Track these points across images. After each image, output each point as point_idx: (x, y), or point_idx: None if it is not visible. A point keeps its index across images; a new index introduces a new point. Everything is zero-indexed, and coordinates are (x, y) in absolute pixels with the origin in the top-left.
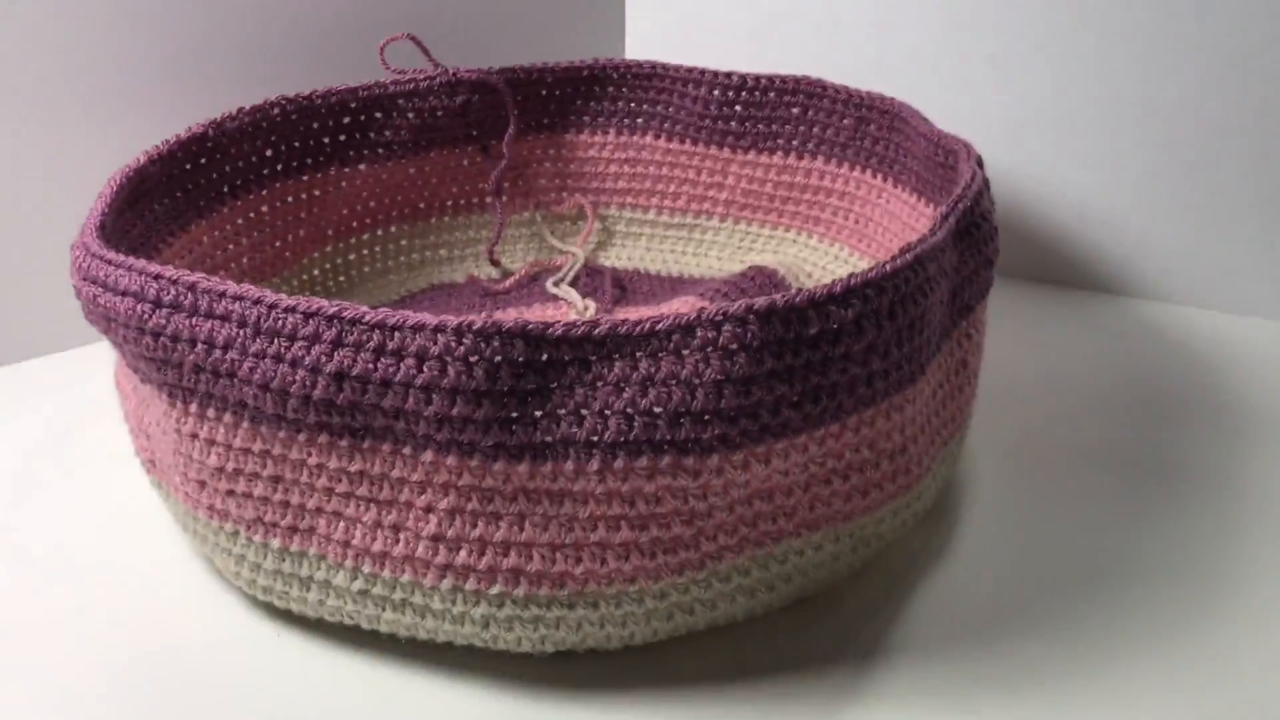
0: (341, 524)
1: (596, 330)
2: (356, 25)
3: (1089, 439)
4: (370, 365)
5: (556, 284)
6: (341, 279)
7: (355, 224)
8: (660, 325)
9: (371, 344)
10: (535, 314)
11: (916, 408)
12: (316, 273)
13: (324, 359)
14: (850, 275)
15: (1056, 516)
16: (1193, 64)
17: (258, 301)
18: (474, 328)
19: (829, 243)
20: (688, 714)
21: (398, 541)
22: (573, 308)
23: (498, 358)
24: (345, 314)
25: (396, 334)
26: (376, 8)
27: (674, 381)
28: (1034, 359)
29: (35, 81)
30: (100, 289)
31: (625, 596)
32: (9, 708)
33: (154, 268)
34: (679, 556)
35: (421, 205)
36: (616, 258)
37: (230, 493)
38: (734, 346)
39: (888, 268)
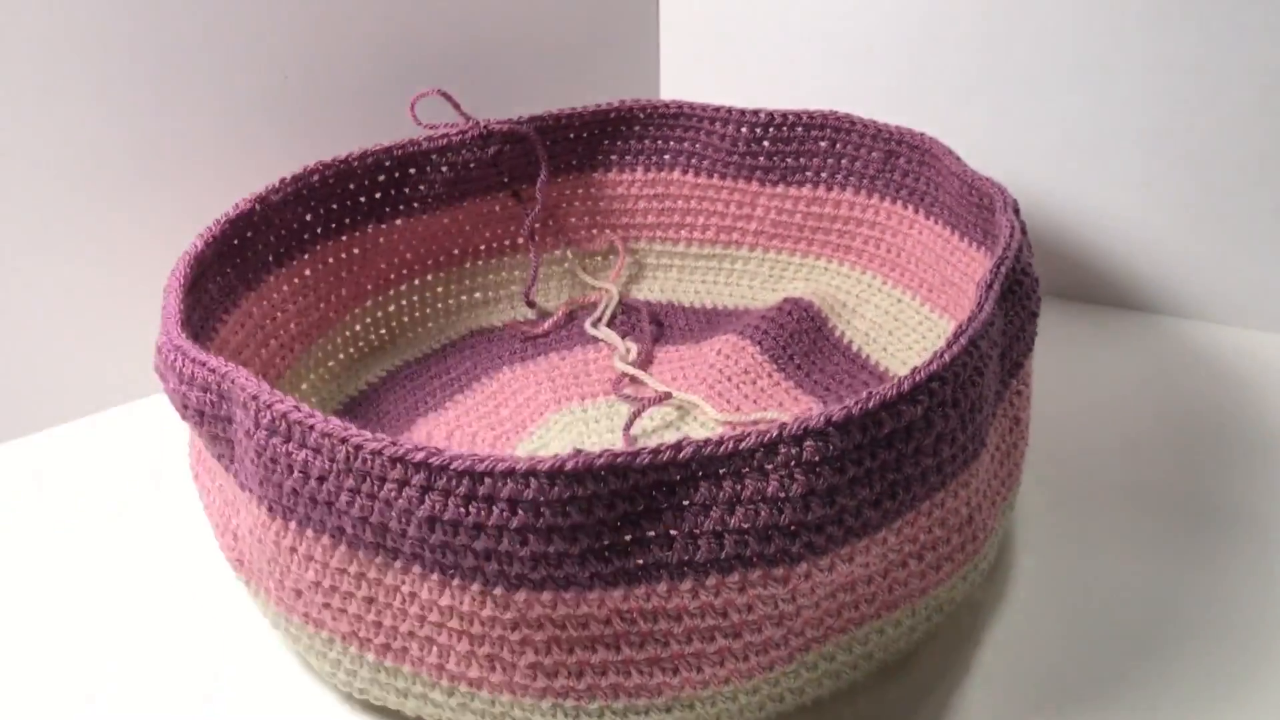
0: (435, 649)
1: (682, 454)
2: (388, 81)
3: (1133, 469)
4: (462, 510)
5: (595, 324)
6: (383, 331)
7: (393, 276)
8: (744, 444)
9: (461, 490)
10: (578, 358)
11: (980, 479)
12: (359, 328)
13: (415, 502)
14: (913, 370)
15: (1106, 556)
16: (1231, 85)
17: (344, 440)
18: (565, 469)
19: (861, 270)
20: None
21: (494, 670)
22: (615, 351)
23: (590, 493)
24: (432, 460)
25: (487, 479)
26: (407, 62)
27: (760, 499)
28: (1074, 380)
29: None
30: (202, 392)
31: (720, 696)
32: None
33: (252, 386)
34: (770, 655)
35: (456, 252)
36: (649, 290)
37: (326, 606)
38: (816, 459)
39: (946, 357)
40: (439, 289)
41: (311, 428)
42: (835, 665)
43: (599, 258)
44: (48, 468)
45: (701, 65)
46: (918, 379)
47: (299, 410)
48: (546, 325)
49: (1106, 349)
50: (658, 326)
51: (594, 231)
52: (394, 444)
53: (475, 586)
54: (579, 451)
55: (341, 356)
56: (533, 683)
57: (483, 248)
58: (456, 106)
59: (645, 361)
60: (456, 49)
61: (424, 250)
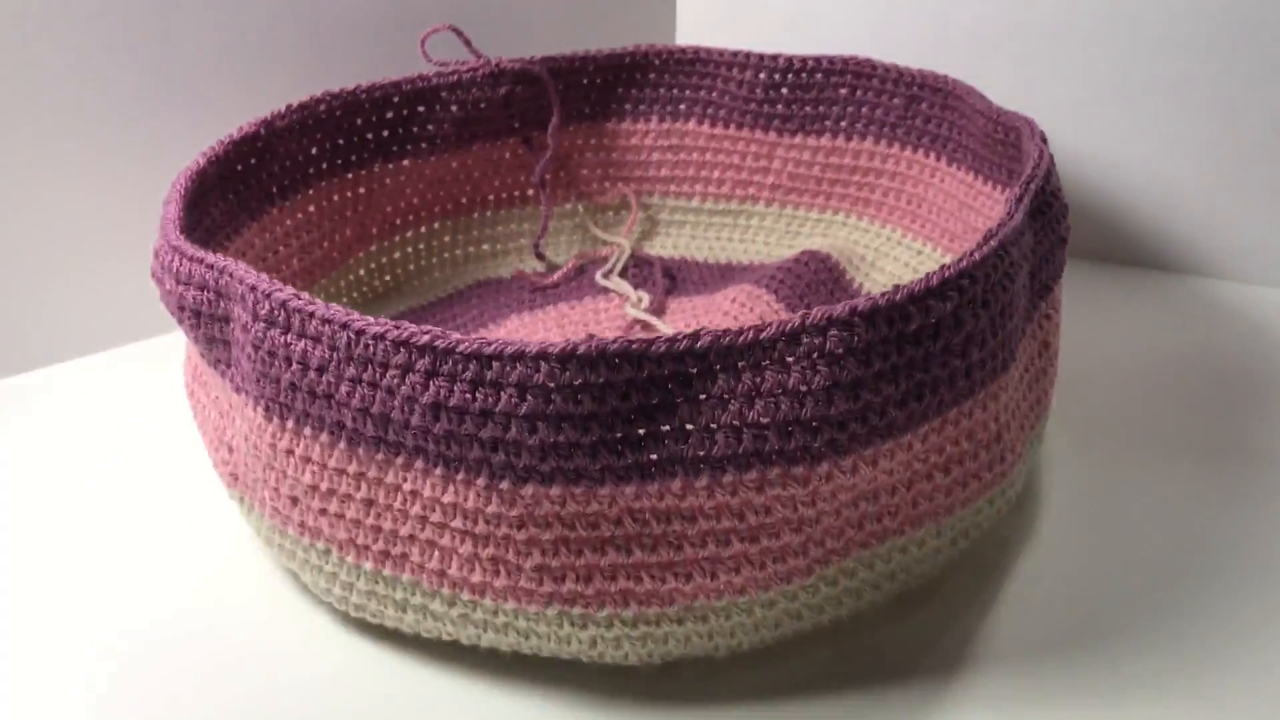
0: (437, 553)
1: (699, 343)
2: (399, 17)
3: (1163, 419)
4: (468, 396)
5: (606, 276)
6: (387, 278)
7: (399, 221)
8: (764, 334)
9: (468, 375)
10: (587, 307)
11: (1009, 394)
12: (362, 272)
13: (419, 389)
14: (943, 267)
15: (1135, 497)
16: (1262, 37)
17: (345, 326)
18: (578, 352)
19: (880, 224)
20: (793, 715)
21: (498, 574)
22: (626, 299)
23: (602, 380)
24: (438, 343)
25: (495, 363)
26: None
27: (780, 391)
28: (1103, 339)
29: (91, 85)
30: (199, 291)
31: (735, 608)
32: None
33: (251, 277)
34: (788, 565)
35: (464, 201)
36: (662, 246)
37: (323, 511)
38: (840, 350)
39: (976, 256)
40: (446, 238)
41: (311, 315)
42: (856, 583)
43: (611, 212)
44: (47, 402)
45: (719, 11)
46: (947, 274)
47: (299, 298)
48: (556, 277)
49: (1133, 308)
50: (670, 280)
51: (606, 184)
52: (398, 327)
53: (480, 481)
54: (592, 336)
55: (344, 300)
56: (538, 588)
57: (491, 197)
58: (468, 43)
59: (658, 311)
60: None
61: (431, 196)
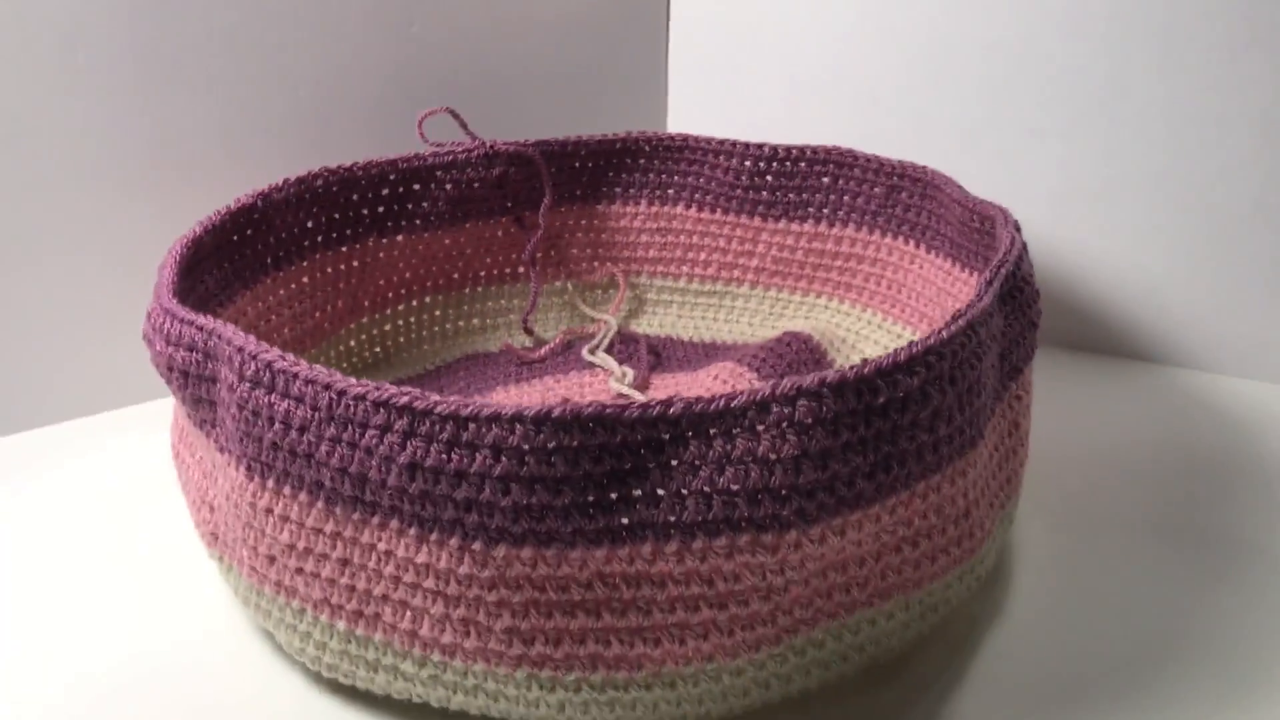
0: (409, 613)
1: (671, 409)
2: (397, 98)
3: (1134, 505)
4: (444, 456)
5: (592, 351)
6: (377, 349)
7: (391, 295)
8: (735, 402)
9: (445, 435)
10: (573, 381)
11: (977, 471)
12: (353, 343)
13: (396, 449)
14: (910, 344)
15: (1106, 580)
16: (1234, 135)
17: (328, 387)
18: (553, 415)
19: (861, 308)
20: None
21: (469, 635)
22: (611, 375)
23: (576, 443)
24: (416, 405)
25: (471, 425)
26: (418, 82)
27: (750, 459)
28: (1077, 426)
29: (95, 154)
30: (188, 352)
31: (703, 675)
32: None
33: (239, 339)
34: (756, 633)
35: (456, 276)
36: (648, 325)
37: (299, 570)
38: (809, 420)
39: (944, 334)
40: (436, 312)
41: (295, 375)
42: (825, 654)
43: (599, 290)
44: (43, 462)
45: (708, 100)
46: (915, 351)
47: (284, 359)
48: (543, 351)
49: (1107, 396)
50: (655, 357)
51: (595, 264)
52: (378, 388)
53: (454, 541)
54: (566, 401)
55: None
56: (508, 649)
57: (483, 273)
58: (463, 125)
59: (642, 386)
60: (467, 73)
61: (424, 271)
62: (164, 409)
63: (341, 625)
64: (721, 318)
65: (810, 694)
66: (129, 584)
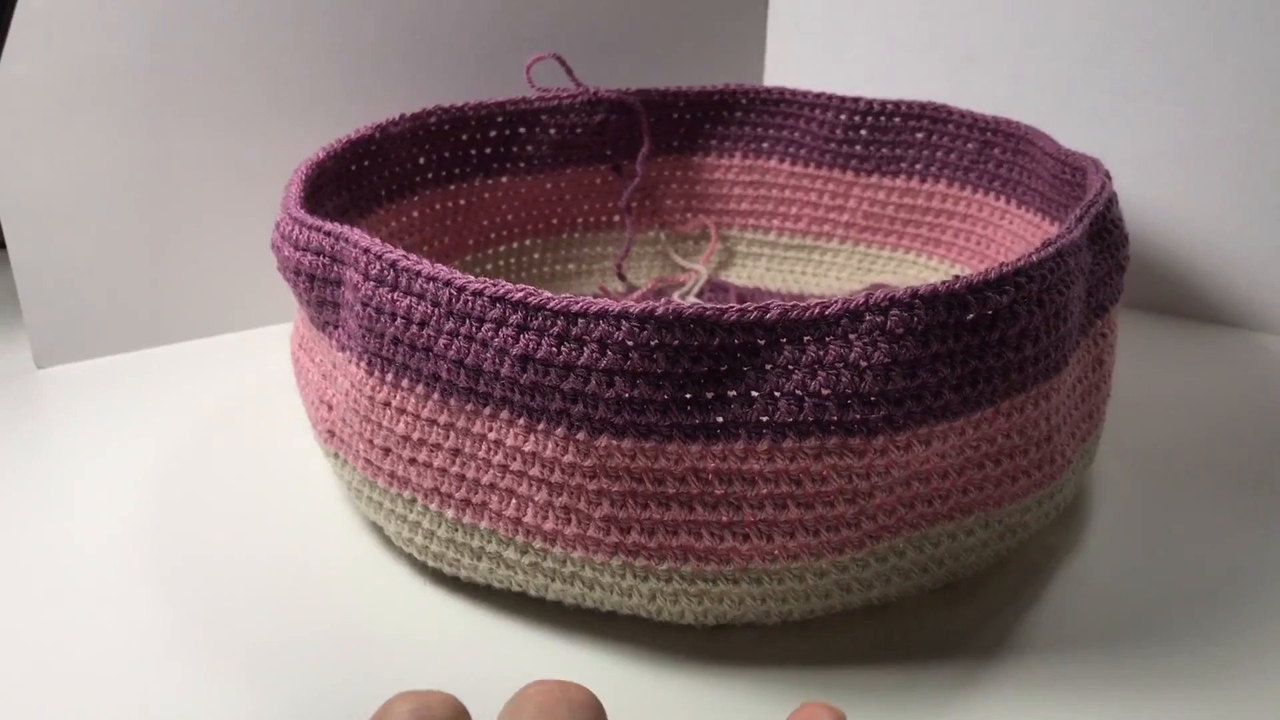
0: (514, 501)
1: (768, 315)
2: (508, 43)
3: (1212, 456)
4: (554, 349)
5: (683, 296)
6: None
7: (494, 235)
8: (830, 310)
9: (555, 329)
10: None
11: (1060, 397)
12: None
13: (510, 341)
14: (1001, 264)
15: (1184, 522)
16: None
17: (448, 283)
18: (656, 314)
19: (950, 263)
20: (836, 687)
21: (569, 522)
22: None
23: (677, 342)
24: (530, 300)
25: (580, 320)
26: (526, 27)
27: (841, 364)
28: (1161, 384)
29: (229, 81)
30: (315, 256)
31: (788, 573)
32: (176, 671)
33: (365, 240)
34: (841, 535)
35: (555, 221)
36: (738, 276)
37: (413, 461)
38: (900, 330)
39: (1034, 258)
40: (535, 254)
41: (418, 273)
42: (905, 563)
43: (691, 241)
44: (165, 376)
45: (805, 55)
46: (1005, 271)
47: (407, 258)
48: (635, 296)
49: (1192, 357)
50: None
51: (688, 215)
52: (495, 284)
53: (559, 431)
54: (669, 300)
55: None
56: (605, 537)
57: (580, 219)
58: (569, 72)
59: None
60: (574, 22)
61: (525, 214)
62: (281, 333)
63: (450, 513)
64: (810, 271)
65: (890, 603)
66: (246, 483)
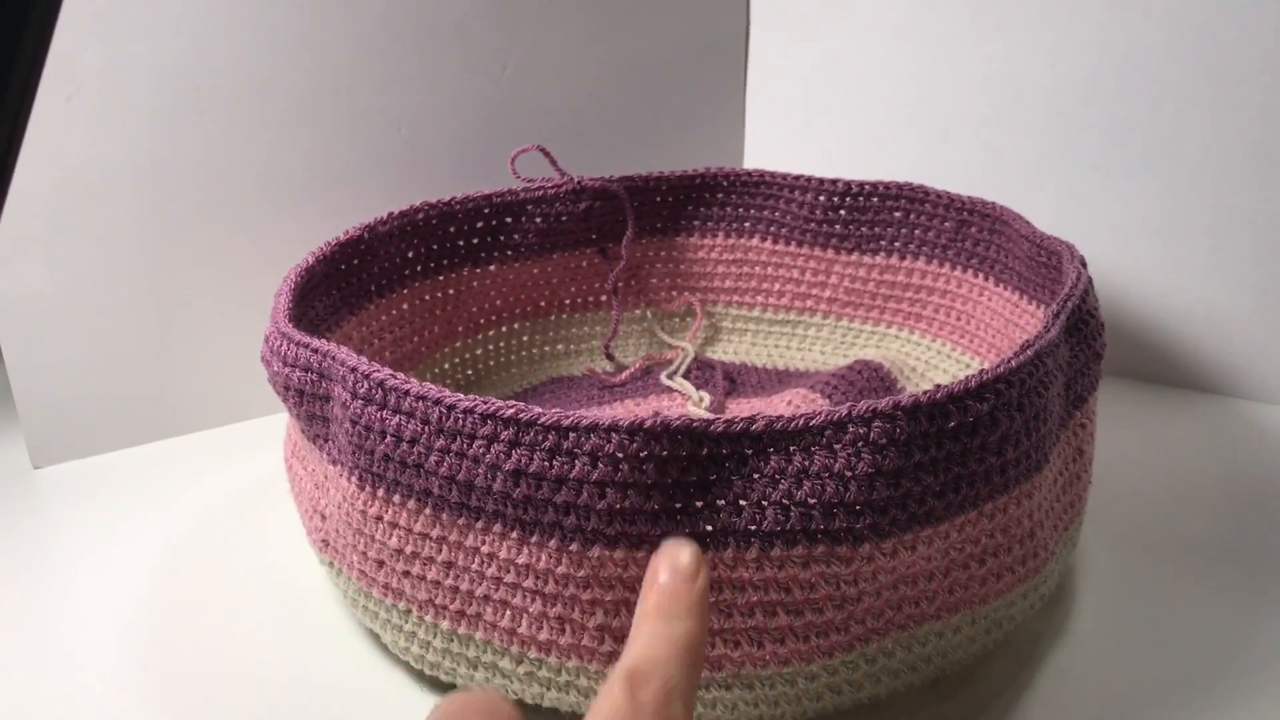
0: (509, 613)
1: (754, 426)
2: (492, 137)
3: (1195, 531)
4: (546, 463)
5: (670, 376)
6: (469, 373)
7: (483, 321)
8: (814, 421)
9: (547, 444)
10: (652, 405)
11: (1042, 494)
12: (447, 366)
13: (502, 457)
14: (981, 372)
15: (1167, 600)
16: None
17: (438, 401)
18: (645, 426)
19: (931, 338)
20: None
21: (564, 632)
22: (688, 399)
23: (666, 453)
24: (521, 416)
25: (571, 434)
26: (510, 123)
27: (826, 474)
28: (1140, 454)
29: (221, 180)
30: (304, 372)
31: (780, 678)
32: None
33: (352, 359)
34: (830, 639)
35: (543, 304)
36: (724, 352)
37: (406, 574)
38: (883, 441)
39: (1013, 363)
40: (524, 337)
41: (406, 392)
42: (894, 663)
43: (677, 318)
44: (162, 472)
45: (783, 138)
46: (985, 378)
47: (395, 378)
48: (623, 376)
49: (1170, 426)
50: (730, 383)
51: (674, 293)
52: (485, 402)
53: (553, 543)
54: (658, 413)
55: None
56: (599, 646)
57: (568, 301)
58: (553, 162)
59: (718, 410)
60: (557, 112)
61: (513, 299)
62: (276, 424)
63: (445, 625)
64: (795, 346)
65: (880, 702)
66: (244, 586)
